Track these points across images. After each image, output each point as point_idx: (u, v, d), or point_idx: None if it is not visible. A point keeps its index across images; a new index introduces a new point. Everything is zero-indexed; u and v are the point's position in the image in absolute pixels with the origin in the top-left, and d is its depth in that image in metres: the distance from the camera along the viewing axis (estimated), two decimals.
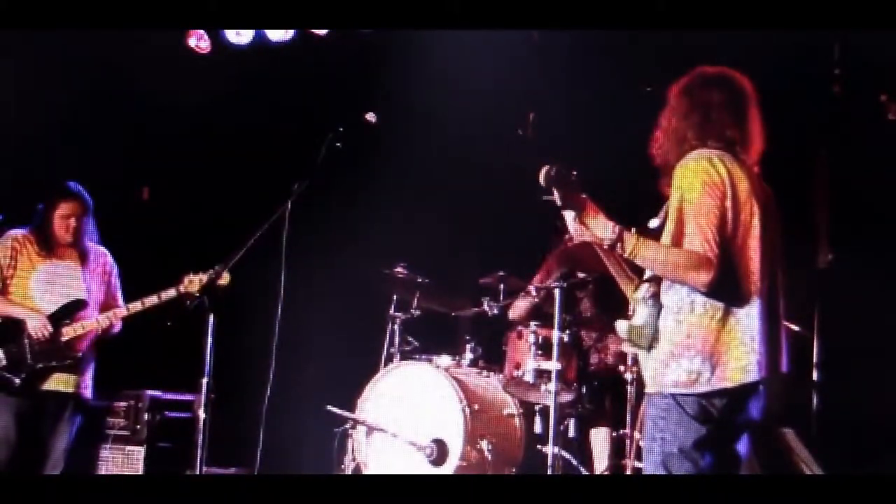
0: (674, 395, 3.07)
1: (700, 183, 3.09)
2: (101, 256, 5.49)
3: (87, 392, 5.33)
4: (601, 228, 3.14)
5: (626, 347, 4.95)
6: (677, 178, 3.14)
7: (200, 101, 6.90)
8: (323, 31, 6.71)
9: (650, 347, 3.16)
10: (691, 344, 3.07)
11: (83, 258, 5.36)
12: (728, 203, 3.08)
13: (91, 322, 5.22)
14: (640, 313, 3.19)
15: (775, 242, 3.20)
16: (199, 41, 6.92)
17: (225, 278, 4.96)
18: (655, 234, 3.22)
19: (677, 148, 3.24)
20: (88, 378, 5.33)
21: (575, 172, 3.13)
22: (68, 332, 5.18)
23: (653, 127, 3.39)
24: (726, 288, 3.06)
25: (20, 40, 6.20)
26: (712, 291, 3.04)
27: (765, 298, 3.10)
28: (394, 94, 6.27)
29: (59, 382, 5.18)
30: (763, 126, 3.30)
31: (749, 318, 3.06)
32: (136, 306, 5.24)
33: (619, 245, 3.12)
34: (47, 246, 5.29)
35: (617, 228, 3.13)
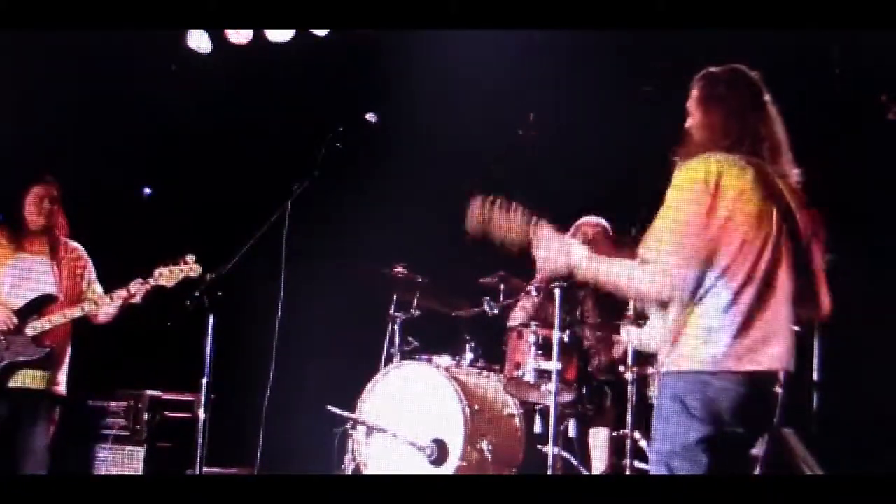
0: (678, 396, 3.07)
1: (685, 186, 3.09)
2: (73, 251, 5.42)
3: (61, 388, 5.24)
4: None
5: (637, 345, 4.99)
6: (673, 179, 3.15)
7: (200, 101, 6.91)
8: (323, 31, 6.71)
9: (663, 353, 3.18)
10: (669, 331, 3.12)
11: (53, 251, 5.30)
12: (706, 204, 3.05)
13: (58, 317, 5.15)
14: (653, 318, 3.21)
15: (788, 242, 3.17)
16: (199, 41, 6.92)
17: (196, 269, 4.97)
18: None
19: (692, 151, 3.23)
20: (61, 375, 5.24)
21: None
22: (35, 328, 5.11)
23: (652, 127, 3.39)
24: (688, 284, 3.06)
25: (20, 40, 6.20)
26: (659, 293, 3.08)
27: (742, 296, 3.07)
28: (394, 94, 6.28)
29: (27, 379, 5.11)
30: (781, 122, 3.29)
31: (713, 311, 3.05)
32: (105, 300, 5.20)
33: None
34: (17, 237, 5.23)
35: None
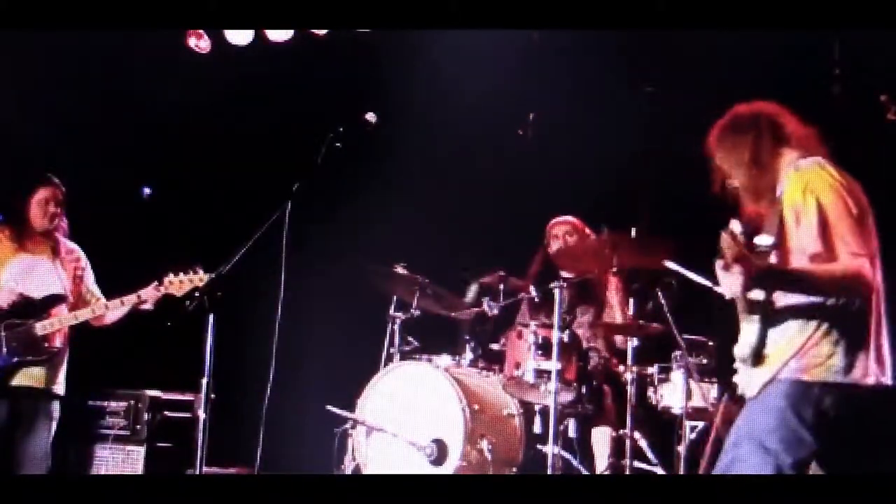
0: (791, 405, 3.05)
1: (829, 188, 3.08)
2: (73, 252, 5.44)
3: (60, 388, 5.25)
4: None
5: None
6: (798, 184, 3.11)
7: (200, 101, 6.90)
8: (323, 31, 6.71)
9: (755, 363, 3.15)
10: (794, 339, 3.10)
11: (55, 252, 5.31)
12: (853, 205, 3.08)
13: (67, 317, 5.16)
14: (749, 330, 3.19)
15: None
16: (198, 41, 6.92)
17: (204, 280, 4.98)
18: (766, 252, 3.16)
19: (763, 171, 3.24)
20: (61, 374, 5.25)
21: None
22: (44, 327, 5.12)
23: (652, 127, 3.39)
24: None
25: (20, 40, 6.20)
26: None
27: (872, 307, 3.08)
28: (393, 94, 6.27)
29: (28, 378, 5.11)
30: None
31: (846, 322, 3.04)
32: (115, 304, 5.21)
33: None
34: (21, 236, 5.24)
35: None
